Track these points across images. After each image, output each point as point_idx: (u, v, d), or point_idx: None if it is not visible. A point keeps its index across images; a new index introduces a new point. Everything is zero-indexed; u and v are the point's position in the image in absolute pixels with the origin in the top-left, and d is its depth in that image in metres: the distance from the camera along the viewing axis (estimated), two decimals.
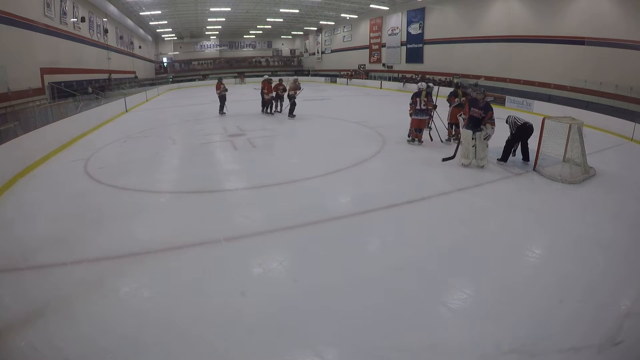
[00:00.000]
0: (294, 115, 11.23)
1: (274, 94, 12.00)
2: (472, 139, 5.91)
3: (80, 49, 15.78)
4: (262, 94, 12.05)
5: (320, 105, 14.05)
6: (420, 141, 7.59)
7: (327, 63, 34.23)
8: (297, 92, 11.56)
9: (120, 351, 2.19)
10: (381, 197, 4.69)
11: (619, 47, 12.27)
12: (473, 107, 5.97)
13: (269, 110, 12.18)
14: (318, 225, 3.91)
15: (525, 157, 6.41)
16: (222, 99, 12.14)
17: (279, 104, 12.24)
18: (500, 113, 12.43)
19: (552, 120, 5.93)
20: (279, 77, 12.98)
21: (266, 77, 12.22)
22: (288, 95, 11.47)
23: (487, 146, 5.99)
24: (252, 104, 13.64)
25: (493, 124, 5.89)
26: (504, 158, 6.41)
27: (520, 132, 6.35)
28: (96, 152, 7.38)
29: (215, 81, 12.60)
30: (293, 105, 11.33)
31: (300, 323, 2.43)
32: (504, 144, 6.40)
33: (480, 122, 5.90)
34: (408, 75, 22.94)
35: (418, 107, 7.24)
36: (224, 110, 12.16)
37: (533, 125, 6.26)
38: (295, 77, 13.07)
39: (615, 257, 3.29)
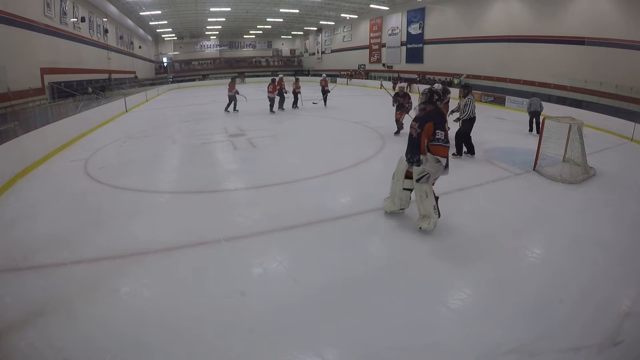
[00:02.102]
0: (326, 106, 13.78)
1: (291, 93, 13.17)
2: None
3: (80, 49, 15.78)
4: (281, 92, 12.75)
5: (320, 105, 14.08)
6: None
7: (327, 63, 34.23)
8: (327, 86, 14.16)
9: (120, 351, 2.19)
10: (381, 197, 4.67)
11: (619, 47, 12.28)
12: (414, 119, 3.72)
13: (273, 109, 12.53)
14: (318, 225, 3.91)
15: (471, 150, 6.56)
16: (231, 99, 12.48)
17: (299, 101, 13.47)
18: (502, 113, 12.55)
19: (552, 120, 5.93)
20: (296, 77, 14.56)
21: (281, 76, 13.16)
22: (322, 90, 14.09)
23: (428, 196, 3.54)
24: (252, 103, 13.66)
25: (442, 150, 3.37)
26: (459, 151, 6.57)
27: (472, 124, 6.49)
28: (96, 152, 7.38)
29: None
30: (325, 95, 14.12)
31: (300, 323, 2.43)
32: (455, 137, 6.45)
33: (418, 144, 3.55)
34: (406, 76, 22.86)
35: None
36: (229, 109, 12.63)
37: None
38: (324, 74, 16.20)
39: (614, 257, 3.29)
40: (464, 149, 6.66)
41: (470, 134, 6.59)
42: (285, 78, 13.53)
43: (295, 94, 13.36)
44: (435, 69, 21.31)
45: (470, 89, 6.90)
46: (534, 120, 9.29)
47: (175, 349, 2.20)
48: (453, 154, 6.48)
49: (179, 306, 2.61)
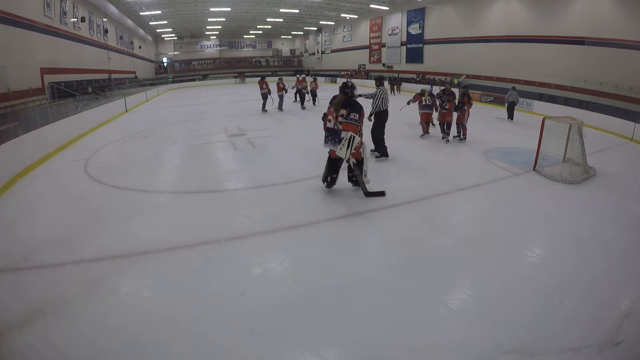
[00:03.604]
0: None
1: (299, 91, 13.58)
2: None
3: (80, 49, 15.78)
4: (298, 91, 13.46)
5: (321, 105, 14.09)
6: (427, 132, 8.39)
7: (327, 63, 34.24)
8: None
9: (120, 351, 2.19)
10: (381, 197, 4.69)
11: (619, 47, 12.28)
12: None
13: (282, 107, 12.83)
14: (318, 225, 3.91)
15: (383, 152, 6.19)
16: (264, 97, 12.44)
17: (316, 99, 14.04)
18: (502, 113, 12.56)
19: (552, 120, 5.93)
20: (314, 77, 15.03)
21: (303, 76, 14.06)
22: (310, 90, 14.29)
23: None
24: (252, 104, 13.67)
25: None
26: (384, 152, 6.21)
27: (383, 118, 6.10)
28: (96, 152, 7.38)
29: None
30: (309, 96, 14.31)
31: (300, 323, 2.43)
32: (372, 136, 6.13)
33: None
34: (406, 76, 22.88)
35: (424, 103, 8.22)
36: (266, 108, 12.61)
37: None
38: (302, 75, 16.63)
39: (615, 257, 3.29)
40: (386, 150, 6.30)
41: (384, 134, 6.18)
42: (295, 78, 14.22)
43: (314, 93, 14.04)
44: (435, 69, 21.30)
45: (383, 80, 6.44)
46: (511, 109, 11.51)
47: (175, 349, 2.20)
48: (376, 157, 6.35)
49: (179, 306, 2.61)
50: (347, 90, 4.47)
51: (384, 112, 6.14)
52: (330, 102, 4.62)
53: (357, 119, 4.29)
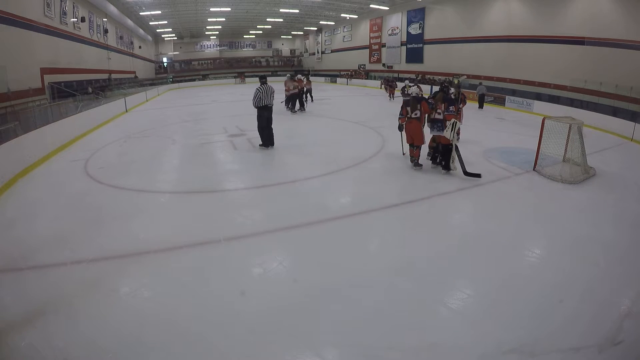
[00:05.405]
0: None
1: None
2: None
3: (80, 49, 15.78)
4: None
5: (320, 105, 14.09)
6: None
7: (327, 63, 34.23)
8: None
9: (120, 351, 2.19)
10: (381, 197, 4.70)
11: (619, 47, 12.27)
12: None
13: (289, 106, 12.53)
14: (318, 225, 3.91)
15: (271, 141, 7.18)
16: (292, 98, 12.20)
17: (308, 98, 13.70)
18: (502, 113, 12.55)
19: (552, 120, 5.93)
20: (305, 75, 14.57)
21: (299, 76, 13.48)
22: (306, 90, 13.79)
23: None
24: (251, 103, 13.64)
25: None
26: (265, 142, 7.15)
27: (262, 113, 6.89)
28: (96, 152, 7.38)
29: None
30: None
31: (300, 323, 2.43)
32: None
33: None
34: (406, 76, 22.85)
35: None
36: (295, 109, 12.37)
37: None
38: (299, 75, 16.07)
39: (615, 257, 3.29)
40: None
41: (268, 125, 7.04)
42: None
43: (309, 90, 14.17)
44: (435, 69, 21.30)
45: (264, 79, 7.07)
46: (481, 100, 14.12)
47: (175, 349, 2.20)
48: (260, 145, 7.23)
49: (179, 306, 2.61)
50: (444, 89, 5.83)
51: (262, 108, 6.94)
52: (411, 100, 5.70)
53: (454, 110, 5.48)
